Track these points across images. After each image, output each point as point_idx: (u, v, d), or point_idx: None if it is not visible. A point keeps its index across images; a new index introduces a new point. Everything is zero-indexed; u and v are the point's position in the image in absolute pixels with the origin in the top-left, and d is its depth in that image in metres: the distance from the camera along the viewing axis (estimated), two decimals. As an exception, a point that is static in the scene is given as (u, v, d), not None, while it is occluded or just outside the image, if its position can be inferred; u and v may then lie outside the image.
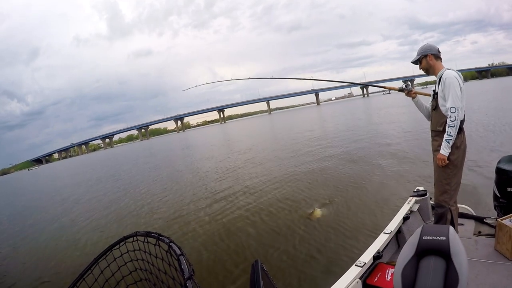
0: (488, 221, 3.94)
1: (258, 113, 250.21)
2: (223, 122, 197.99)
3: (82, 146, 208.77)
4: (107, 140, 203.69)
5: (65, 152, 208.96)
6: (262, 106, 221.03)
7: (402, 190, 7.98)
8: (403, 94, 3.85)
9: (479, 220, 4.06)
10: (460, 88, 3.32)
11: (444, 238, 2.01)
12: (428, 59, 3.56)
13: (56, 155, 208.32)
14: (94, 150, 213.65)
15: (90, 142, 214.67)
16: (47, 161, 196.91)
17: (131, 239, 1.97)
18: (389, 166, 11.03)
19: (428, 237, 2.06)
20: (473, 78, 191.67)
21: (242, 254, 6.44)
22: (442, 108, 3.44)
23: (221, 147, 33.73)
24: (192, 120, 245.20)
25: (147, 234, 1.82)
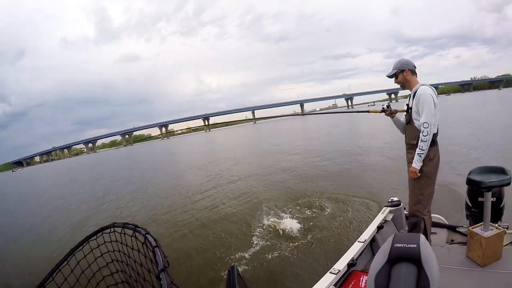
0: (460, 229, 4.09)
1: (243, 122, 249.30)
2: (208, 130, 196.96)
3: (65, 150, 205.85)
4: (90, 144, 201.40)
5: (47, 155, 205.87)
6: (247, 115, 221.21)
7: (377, 200, 8.25)
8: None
9: (452, 229, 4.21)
10: (434, 103, 3.48)
11: (415, 245, 2.09)
12: (404, 74, 3.70)
13: (37, 158, 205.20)
14: (77, 154, 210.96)
15: (73, 146, 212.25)
16: (28, 164, 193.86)
17: (108, 231, 2.01)
18: (366, 177, 11.35)
19: (400, 245, 2.14)
20: (456, 91, 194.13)
21: (217, 258, 6.57)
22: (415, 122, 3.61)
23: (204, 155, 33.95)
24: (176, 127, 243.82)
25: (124, 226, 1.86)
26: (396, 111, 3.92)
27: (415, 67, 3.75)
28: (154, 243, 1.51)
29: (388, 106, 3.92)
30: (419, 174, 3.55)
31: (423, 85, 3.62)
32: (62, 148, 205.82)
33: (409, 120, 3.74)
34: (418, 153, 3.50)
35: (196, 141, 76.66)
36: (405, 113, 3.84)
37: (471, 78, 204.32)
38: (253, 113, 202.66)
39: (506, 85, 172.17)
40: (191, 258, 6.82)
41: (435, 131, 3.55)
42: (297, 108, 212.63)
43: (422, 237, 2.17)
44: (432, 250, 2.13)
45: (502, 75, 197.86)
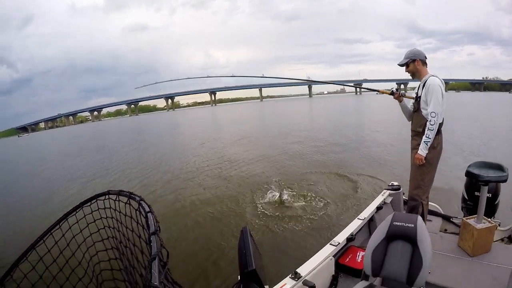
0: (455, 220, 4.22)
1: (249, 99, 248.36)
2: (214, 104, 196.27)
3: (70, 117, 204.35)
4: (95, 113, 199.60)
5: (52, 122, 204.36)
6: (254, 92, 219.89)
7: (378, 184, 8.54)
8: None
9: (446, 218, 4.35)
10: (442, 95, 3.59)
11: (413, 225, 2.25)
12: (416, 64, 3.78)
13: (42, 125, 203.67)
14: (82, 122, 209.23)
15: (78, 114, 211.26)
16: (33, 130, 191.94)
17: (103, 198, 2.06)
18: (370, 162, 11.56)
19: (398, 223, 2.30)
20: (466, 89, 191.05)
21: (225, 224, 6.99)
22: (423, 111, 3.71)
23: (210, 130, 33.95)
24: (182, 100, 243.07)
25: (119, 193, 1.92)
26: (404, 95, 4.03)
27: (426, 58, 3.83)
28: (147, 209, 1.57)
29: (397, 90, 4.04)
30: (424, 161, 3.66)
31: (433, 76, 3.71)
32: (67, 115, 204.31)
33: (417, 108, 3.83)
34: (424, 141, 3.61)
35: (202, 115, 76.28)
36: (413, 100, 3.94)
37: (482, 78, 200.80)
38: (261, 90, 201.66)
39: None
40: (200, 226, 7.09)
41: (441, 121, 3.66)
42: (305, 89, 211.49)
43: (419, 218, 2.31)
44: (427, 232, 2.26)
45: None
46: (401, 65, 3.91)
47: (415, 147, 3.79)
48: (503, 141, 14.98)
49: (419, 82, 3.84)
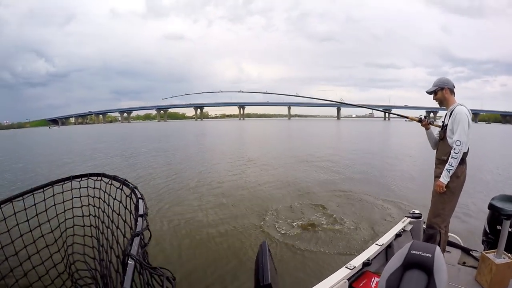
0: (474, 253, 4.14)
1: (277, 116, 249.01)
2: (242, 118, 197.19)
3: (100, 115, 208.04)
4: (125, 114, 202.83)
5: (82, 118, 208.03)
6: (282, 110, 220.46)
7: (399, 211, 8.48)
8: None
9: (466, 251, 4.27)
10: (469, 124, 3.60)
11: (430, 255, 2.21)
12: (444, 92, 3.81)
13: (72, 120, 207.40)
14: (111, 121, 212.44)
15: (108, 113, 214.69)
16: (63, 124, 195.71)
17: (95, 178, 2.16)
18: (393, 189, 11.47)
19: (416, 252, 2.26)
20: (496, 120, 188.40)
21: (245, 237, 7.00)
22: (449, 139, 3.72)
23: (236, 144, 34.35)
24: (211, 111, 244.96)
25: (114, 177, 2.03)
26: (432, 123, 4.06)
27: (454, 87, 3.86)
28: (139, 195, 1.68)
29: (425, 117, 4.07)
30: (445, 189, 3.65)
31: (461, 105, 3.73)
32: (97, 113, 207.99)
33: (443, 136, 3.84)
34: (447, 169, 3.61)
35: (230, 128, 76.79)
36: (439, 129, 3.95)
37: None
38: (289, 108, 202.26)
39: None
40: (221, 236, 7.16)
41: (466, 150, 3.67)
42: (333, 111, 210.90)
43: (438, 248, 2.28)
44: (445, 263, 2.23)
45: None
46: (429, 93, 3.95)
47: (438, 175, 3.77)
48: None
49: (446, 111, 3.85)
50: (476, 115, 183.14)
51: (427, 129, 4.07)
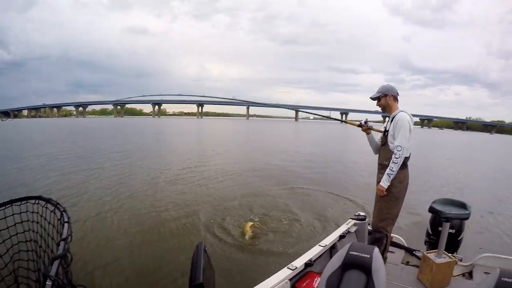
0: (417, 253, 4.31)
1: (236, 116, 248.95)
2: (200, 116, 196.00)
3: (54, 109, 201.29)
4: (80, 108, 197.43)
5: (36, 111, 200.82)
6: (241, 109, 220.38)
7: (345, 213, 8.62)
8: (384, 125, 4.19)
9: (409, 251, 4.45)
10: (410, 130, 3.70)
11: (368, 256, 2.30)
12: (387, 99, 3.92)
13: (25, 112, 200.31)
14: (66, 115, 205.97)
15: (63, 107, 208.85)
16: (15, 116, 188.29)
17: (33, 201, 2.10)
18: (338, 191, 11.60)
19: (355, 253, 2.35)
20: (448, 126, 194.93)
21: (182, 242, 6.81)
22: (390, 145, 3.81)
23: (191, 142, 34.52)
24: (169, 108, 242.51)
25: (49, 200, 2.00)
26: (372, 128, 4.14)
27: (398, 94, 3.97)
28: (66, 219, 1.72)
29: (365, 122, 4.12)
30: (386, 193, 3.75)
31: (402, 111, 3.83)
32: (52, 107, 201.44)
33: (384, 142, 3.94)
34: (388, 173, 3.68)
35: (187, 125, 76.22)
36: (381, 134, 4.05)
37: (466, 118, 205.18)
38: (248, 108, 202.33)
39: (498, 131, 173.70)
40: (156, 240, 7.04)
41: (407, 155, 3.76)
42: (292, 112, 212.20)
43: (376, 249, 2.37)
44: (383, 263, 2.33)
45: (497, 121, 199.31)
46: (373, 99, 4.04)
47: (380, 180, 3.85)
48: (473, 180, 15.97)
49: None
50: (430, 121, 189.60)
51: (367, 133, 4.15)
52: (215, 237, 6.94)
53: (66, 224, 1.66)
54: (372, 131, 4.16)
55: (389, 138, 3.83)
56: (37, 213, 2.08)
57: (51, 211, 1.94)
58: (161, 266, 5.78)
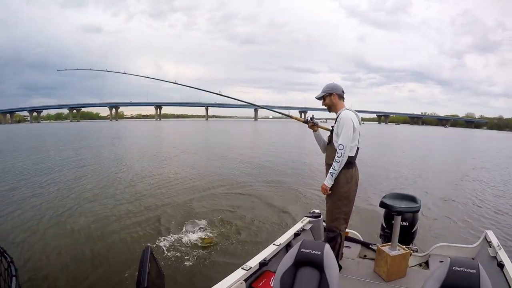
0: (373, 247, 4.38)
1: (195, 117, 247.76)
2: (158, 119, 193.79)
3: (7, 114, 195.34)
4: (34, 113, 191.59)
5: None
6: (200, 110, 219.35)
7: (300, 211, 8.67)
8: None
9: (365, 245, 4.53)
10: (354, 128, 3.64)
11: (319, 252, 2.33)
12: (332, 97, 3.86)
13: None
14: (19, 121, 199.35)
15: (16, 113, 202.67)
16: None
17: None
18: (294, 189, 11.86)
19: (306, 250, 2.37)
20: (405, 122, 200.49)
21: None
22: (335, 143, 3.74)
23: (149, 144, 34.38)
24: (127, 110, 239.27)
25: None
26: (318, 125, 4.10)
27: (343, 92, 3.91)
28: (13, 272, 1.62)
29: (311, 119, 4.10)
30: (330, 192, 3.76)
31: (347, 109, 3.78)
32: (4, 112, 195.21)
33: (330, 141, 3.90)
34: (330, 172, 3.65)
35: (146, 128, 75.31)
36: (329, 133, 4.00)
37: (421, 113, 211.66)
38: (207, 109, 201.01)
39: (453, 125, 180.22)
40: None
41: (352, 155, 3.72)
42: (251, 112, 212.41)
43: (326, 245, 2.41)
44: (334, 258, 2.36)
45: (451, 115, 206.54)
46: (318, 98, 4.01)
47: None
48: (427, 172, 16.57)
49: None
50: (387, 117, 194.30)
51: (314, 131, 4.10)
52: (167, 241, 6.85)
53: (14, 279, 1.56)
54: (319, 128, 4.13)
55: (334, 137, 3.79)
56: None
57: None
58: (114, 273, 5.72)
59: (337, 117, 3.79)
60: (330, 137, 3.90)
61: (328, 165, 3.82)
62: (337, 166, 3.61)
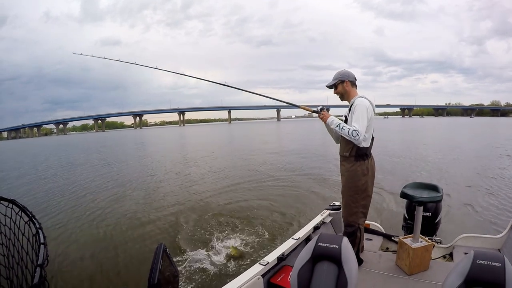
0: (395, 239, 4.28)
1: (217, 121, 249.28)
2: (182, 125, 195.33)
3: (34, 128, 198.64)
4: (60, 126, 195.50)
5: (15, 132, 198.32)
6: (223, 114, 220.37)
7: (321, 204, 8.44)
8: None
9: (387, 237, 4.42)
10: (368, 116, 3.40)
11: (337, 246, 2.26)
12: (344, 85, 3.62)
13: (5, 134, 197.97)
14: (46, 134, 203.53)
15: (43, 126, 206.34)
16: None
17: (6, 204, 1.96)
18: (315, 183, 11.80)
19: (323, 244, 2.30)
20: (429, 114, 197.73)
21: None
22: None
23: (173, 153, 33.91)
24: (150, 118, 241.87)
25: (23, 208, 1.77)
26: (328, 111, 3.77)
27: (355, 79, 3.69)
28: (42, 240, 1.52)
29: (321, 109, 3.76)
30: (325, 124, 3.65)
31: (361, 97, 3.55)
32: (31, 126, 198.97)
33: None
34: (338, 124, 3.43)
35: (170, 135, 75.91)
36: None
37: (445, 104, 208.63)
38: (229, 113, 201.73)
39: (478, 114, 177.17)
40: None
41: (367, 145, 3.51)
42: (273, 113, 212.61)
43: (344, 239, 2.33)
44: (353, 252, 2.29)
45: (476, 104, 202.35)
46: (329, 87, 3.76)
47: (343, 174, 3.67)
48: (451, 161, 16.34)
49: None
50: (410, 110, 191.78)
51: (325, 121, 3.67)
52: (183, 235, 7.07)
53: (42, 246, 1.47)
54: (332, 116, 3.74)
55: (348, 124, 3.48)
56: (10, 217, 1.96)
57: (26, 222, 1.72)
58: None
59: (351, 106, 3.55)
60: None
61: (343, 157, 3.64)
62: (345, 132, 3.37)
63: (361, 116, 3.37)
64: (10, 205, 1.79)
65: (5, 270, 1.73)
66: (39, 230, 1.60)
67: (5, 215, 1.75)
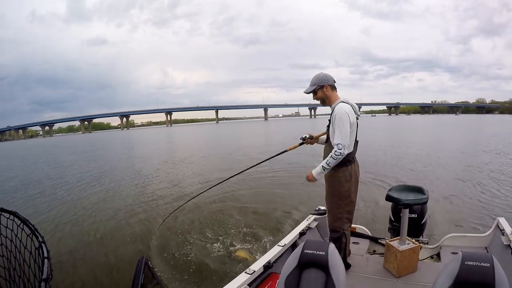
0: (382, 241, 4.27)
1: (205, 121, 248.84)
2: (169, 125, 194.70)
3: (19, 130, 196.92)
4: (46, 127, 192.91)
5: (1, 134, 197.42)
6: (210, 114, 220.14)
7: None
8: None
9: (374, 240, 4.42)
10: (350, 123, 3.34)
11: (324, 253, 2.25)
12: (324, 90, 3.51)
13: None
14: (32, 136, 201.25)
15: (28, 128, 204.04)
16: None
17: (7, 215, 1.95)
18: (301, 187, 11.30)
19: (309, 251, 2.29)
20: (416, 112, 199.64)
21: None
22: (332, 141, 3.41)
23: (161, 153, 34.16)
24: (137, 119, 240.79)
25: (25, 221, 1.70)
26: (312, 137, 3.87)
27: (334, 82, 3.58)
28: (45, 254, 1.48)
29: (304, 138, 3.84)
30: (315, 181, 3.53)
31: (342, 101, 3.46)
32: (17, 129, 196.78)
33: (327, 138, 3.62)
34: (322, 165, 3.39)
35: (157, 135, 75.57)
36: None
37: (431, 101, 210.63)
38: (217, 112, 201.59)
39: (464, 112, 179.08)
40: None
41: (350, 151, 3.44)
42: (260, 112, 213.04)
43: (331, 245, 2.32)
44: (340, 258, 2.28)
45: (461, 102, 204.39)
46: (308, 93, 3.66)
47: (326, 180, 3.65)
48: (436, 161, 16.25)
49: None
50: (397, 108, 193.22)
51: (312, 180, 3.56)
52: (171, 248, 6.75)
53: (46, 260, 1.44)
54: (319, 137, 3.91)
55: (331, 133, 3.47)
56: (11, 230, 1.91)
57: (28, 235, 1.66)
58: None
59: (332, 112, 3.46)
60: (327, 134, 3.59)
61: None
62: (332, 162, 3.32)
63: (341, 128, 3.32)
64: (12, 217, 1.74)
65: (5, 283, 1.72)
66: (42, 243, 1.57)
67: (6, 227, 1.71)
